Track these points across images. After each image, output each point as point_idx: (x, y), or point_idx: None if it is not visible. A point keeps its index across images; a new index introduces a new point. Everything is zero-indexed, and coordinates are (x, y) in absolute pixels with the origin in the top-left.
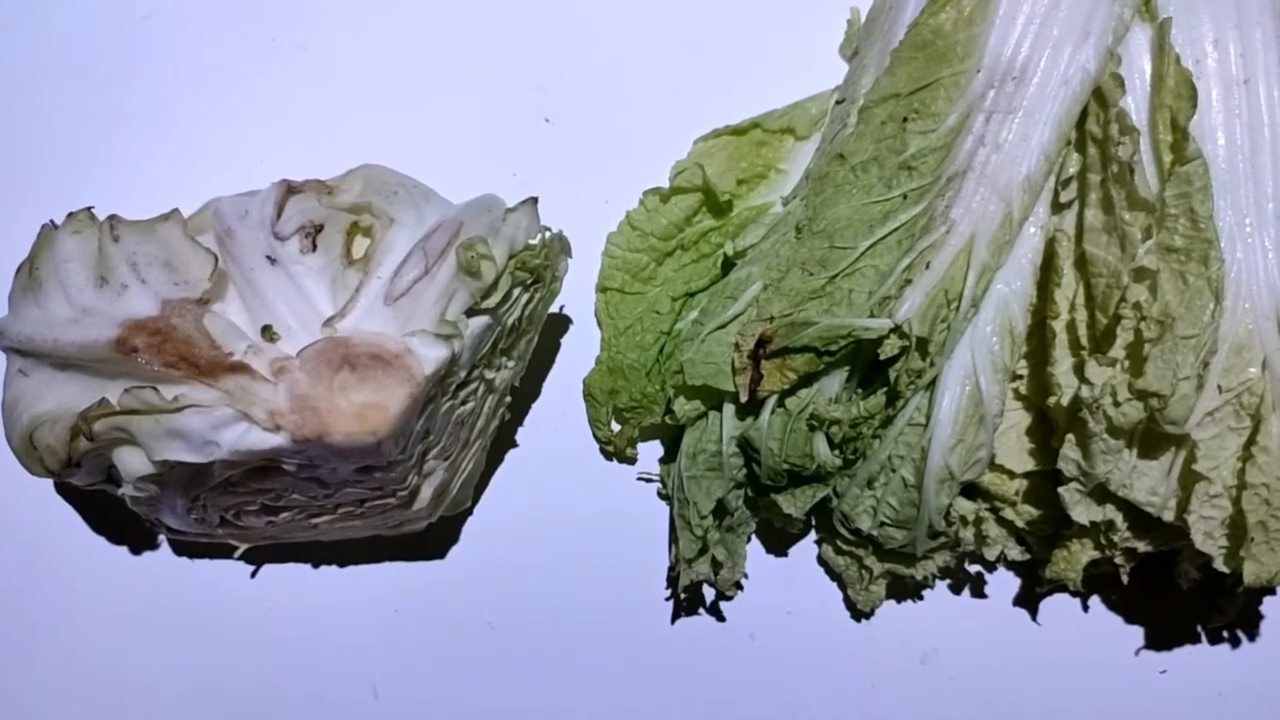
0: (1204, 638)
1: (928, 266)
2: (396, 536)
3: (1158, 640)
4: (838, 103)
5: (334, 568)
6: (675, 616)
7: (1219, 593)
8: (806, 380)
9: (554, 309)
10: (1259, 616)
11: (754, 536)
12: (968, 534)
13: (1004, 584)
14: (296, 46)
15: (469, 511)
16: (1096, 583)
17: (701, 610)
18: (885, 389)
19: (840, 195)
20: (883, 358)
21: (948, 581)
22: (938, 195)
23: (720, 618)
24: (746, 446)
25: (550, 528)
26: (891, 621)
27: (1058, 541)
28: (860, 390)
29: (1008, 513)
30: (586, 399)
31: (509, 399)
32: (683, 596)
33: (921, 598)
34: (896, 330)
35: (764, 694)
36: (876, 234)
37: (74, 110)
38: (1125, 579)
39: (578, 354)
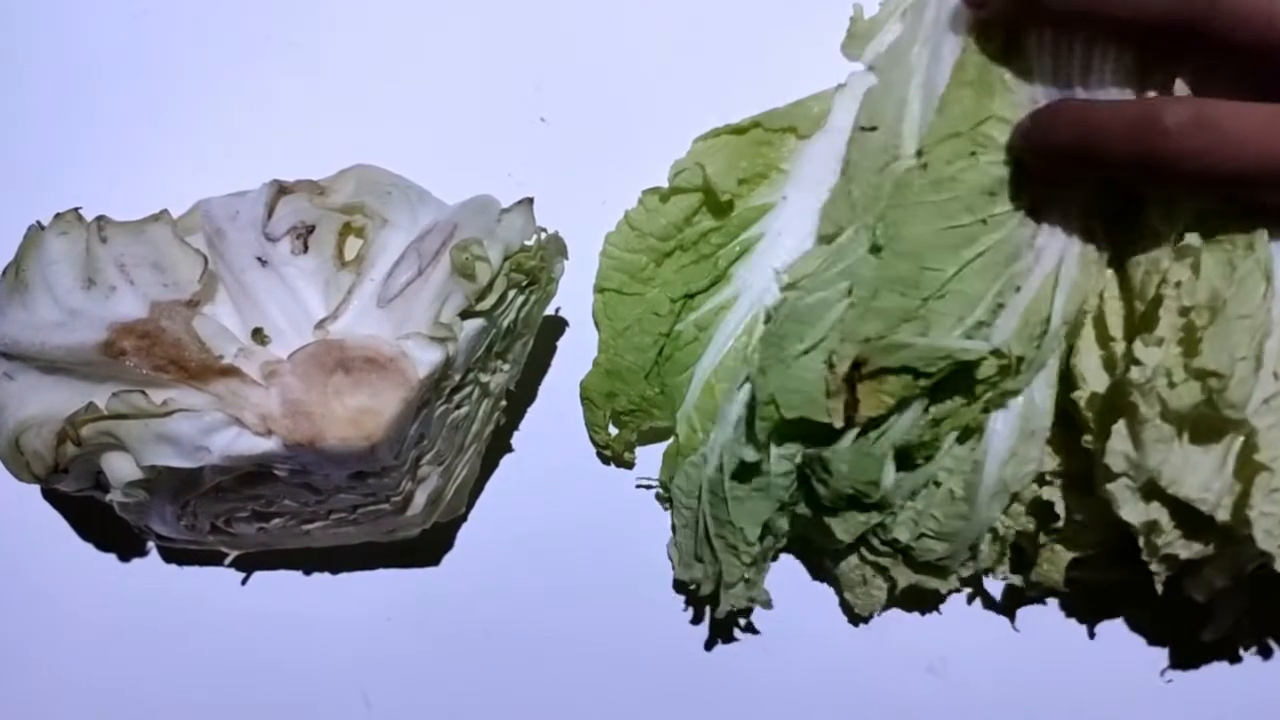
0: (1218, 651)
1: (1017, 290)
2: (390, 543)
3: (1175, 654)
4: (863, 129)
5: (326, 575)
6: (711, 643)
7: (1215, 602)
8: (899, 406)
9: (550, 311)
10: (1253, 629)
11: None
12: (991, 549)
13: (1013, 592)
14: (289, 44)
15: (464, 518)
16: (1123, 597)
17: (702, 621)
18: (963, 403)
19: (914, 216)
20: (979, 379)
21: (962, 592)
22: (1020, 225)
23: (730, 637)
24: (817, 466)
25: (547, 534)
26: (898, 630)
27: (1041, 544)
28: (932, 410)
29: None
30: (584, 402)
31: (504, 403)
32: (719, 623)
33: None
34: (995, 352)
35: (763, 703)
36: (964, 257)
37: (61, 109)
38: (1160, 588)
39: (574, 357)
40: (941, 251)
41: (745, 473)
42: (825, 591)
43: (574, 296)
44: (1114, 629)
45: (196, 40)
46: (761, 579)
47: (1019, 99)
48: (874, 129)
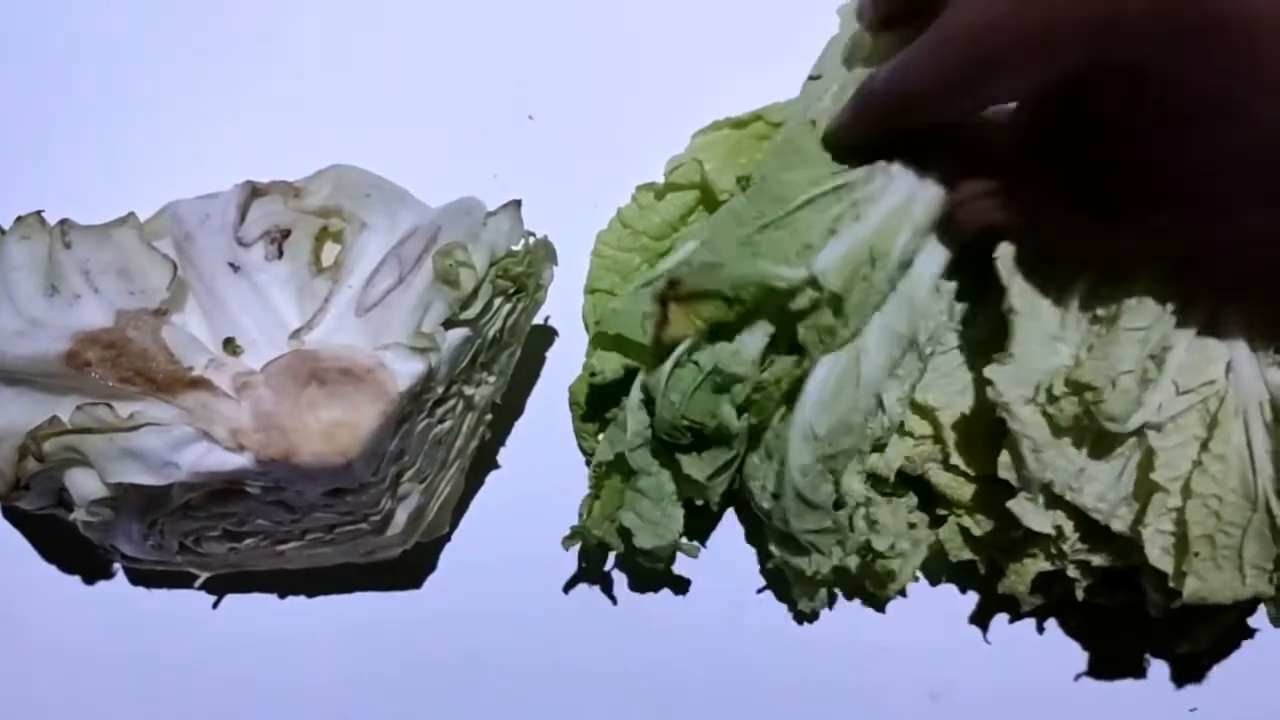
0: (1233, 676)
1: (858, 218)
2: (369, 564)
3: (1187, 677)
4: (812, 78)
5: (302, 598)
6: (571, 585)
7: (1190, 615)
8: (723, 334)
9: (538, 320)
10: (1235, 645)
11: (746, 563)
12: (861, 522)
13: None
14: (262, 37)
15: (447, 537)
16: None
17: (699, 641)
18: (786, 341)
19: (801, 160)
20: (793, 309)
21: (966, 615)
22: (882, 170)
23: (613, 599)
24: (646, 394)
25: (534, 555)
26: (900, 653)
27: (1013, 554)
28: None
29: (965, 520)
30: (572, 407)
31: (490, 417)
32: (583, 564)
33: (884, 611)
34: (811, 282)
35: None
36: (821, 188)
37: (22, 105)
38: (1080, 595)
39: (563, 368)
40: (805, 187)
41: (600, 403)
42: (823, 614)
43: (564, 304)
44: (1130, 654)
45: (166, 33)
46: (660, 534)
47: None
48: (818, 77)
